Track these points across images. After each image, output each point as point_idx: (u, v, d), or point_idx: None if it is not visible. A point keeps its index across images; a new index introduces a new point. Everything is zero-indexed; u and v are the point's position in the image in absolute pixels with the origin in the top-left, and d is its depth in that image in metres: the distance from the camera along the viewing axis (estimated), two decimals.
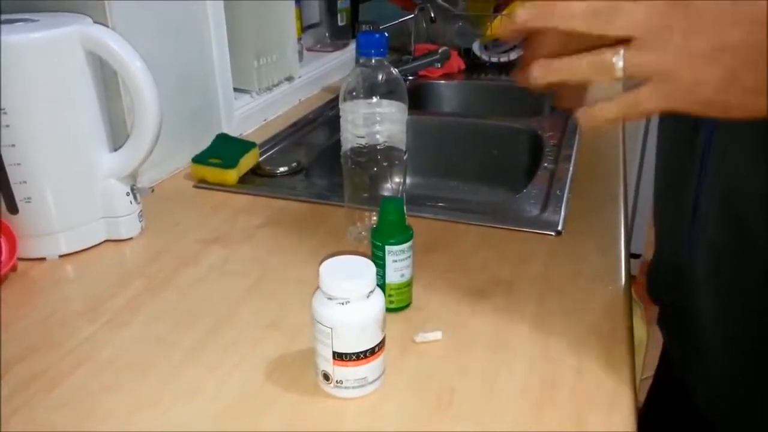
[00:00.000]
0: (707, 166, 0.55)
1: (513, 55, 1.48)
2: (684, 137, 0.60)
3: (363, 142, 0.63)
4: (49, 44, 0.60)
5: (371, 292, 0.44)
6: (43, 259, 0.65)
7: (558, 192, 0.78)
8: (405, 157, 0.66)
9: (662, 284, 0.66)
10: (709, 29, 0.34)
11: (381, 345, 0.45)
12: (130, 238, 0.69)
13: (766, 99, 0.35)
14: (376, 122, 0.63)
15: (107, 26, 0.70)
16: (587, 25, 0.37)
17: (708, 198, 0.54)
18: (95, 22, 0.65)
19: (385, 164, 0.65)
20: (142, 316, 0.56)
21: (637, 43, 0.36)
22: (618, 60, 0.36)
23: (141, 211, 0.70)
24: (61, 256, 0.65)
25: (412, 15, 1.38)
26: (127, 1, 0.73)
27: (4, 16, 0.64)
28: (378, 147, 0.64)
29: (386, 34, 0.62)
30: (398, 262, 0.54)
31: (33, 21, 0.63)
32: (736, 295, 0.52)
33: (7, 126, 0.60)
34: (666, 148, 0.66)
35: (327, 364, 0.44)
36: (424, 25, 1.44)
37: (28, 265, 0.64)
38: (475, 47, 1.48)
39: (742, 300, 0.52)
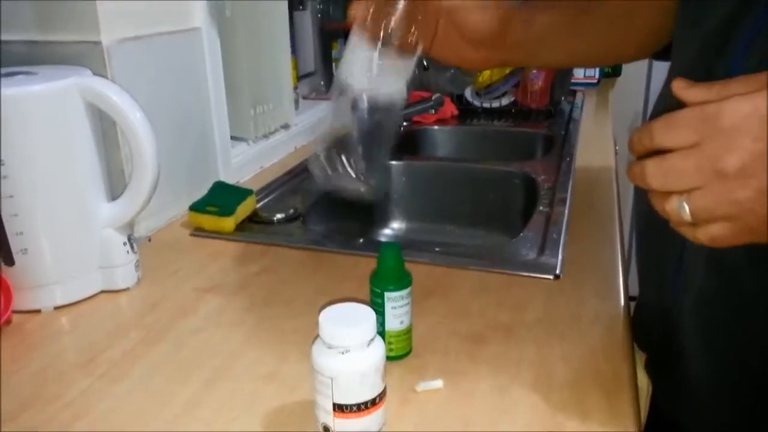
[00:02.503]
0: None
1: (504, 101, 1.51)
2: None
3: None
4: (48, 97, 0.61)
5: (371, 339, 0.43)
6: (37, 311, 0.64)
7: (554, 235, 0.79)
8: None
9: (648, 330, 0.66)
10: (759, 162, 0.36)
11: (382, 395, 0.44)
12: (127, 289, 0.68)
13: None
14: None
15: (106, 77, 0.71)
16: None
17: (696, 245, 0.55)
18: (95, 72, 0.66)
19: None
20: (139, 368, 0.55)
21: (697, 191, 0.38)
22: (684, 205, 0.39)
23: (138, 260, 0.70)
24: (56, 308, 0.65)
25: None
26: (126, 51, 0.75)
27: (3, 69, 0.65)
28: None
29: None
30: (397, 308, 0.54)
31: (32, 74, 0.64)
32: (724, 340, 0.52)
33: (6, 177, 0.60)
34: (645, 196, 0.67)
35: (327, 417, 0.43)
36: (417, 72, 1.47)
37: (23, 317, 0.63)
38: (467, 93, 1.51)
39: (729, 345, 0.52)
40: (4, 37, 0.74)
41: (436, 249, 0.80)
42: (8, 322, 0.61)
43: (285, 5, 1.09)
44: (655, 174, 0.39)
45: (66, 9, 0.72)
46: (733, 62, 0.47)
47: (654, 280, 0.63)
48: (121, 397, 0.51)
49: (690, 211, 0.38)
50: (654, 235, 0.64)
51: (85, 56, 0.72)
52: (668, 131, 0.38)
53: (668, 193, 0.39)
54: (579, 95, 1.66)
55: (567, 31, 0.67)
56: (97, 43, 0.72)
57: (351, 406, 0.43)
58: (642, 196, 0.67)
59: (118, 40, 0.73)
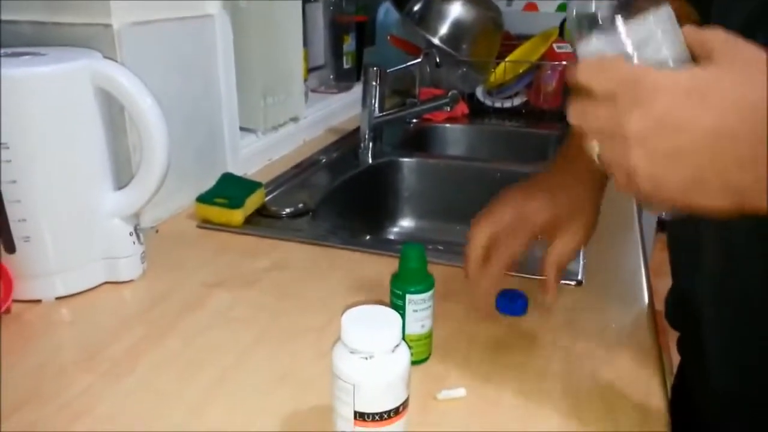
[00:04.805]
0: None
1: (516, 101, 1.48)
2: None
3: None
4: (58, 79, 0.58)
5: (397, 345, 0.41)
6: (38, 301, 0.61)
7: None
8: None
9: (678, 311, 0.65)
10: (671, 131, 0.35)
11: (405, 404, 0.41)
12: (131, 281, 0.65)
13: (731, 200, 0.35)
14: None
15: (116, 61, 0.68)
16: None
17: (706, 229, 0.55)
18: (105, 56, 0.63)
19: None
20: (143, 365, 0.52)
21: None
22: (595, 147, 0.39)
23: (143, 252, 0.67)
24: (57, 299, 0.62)
25: (418, 60, 1.38)
26: (137, 36, 0.72)
27: (12, 50, 0.62)
28: None
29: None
30: (419, 311, 0.51)
31: (41, 55, 0.61)
32: (735, 321, 0.52)
33: (9, 161, 0.57)
34: None
35: (347, 425, 0.41)
36: (428, 69, 1.44)
37: (23, 307, 0.60)
38: (479, 92, 1.48)
39: (738, 326, 0.52)
40: (13, 17, 0.71)
41: (453, 249, 0.77)
42: (8, 311, 0.59)
43: None
44: (575, 112, 0.39)
45: None
46: None
47: (680, 265, 0.64)
48: (123, 397, 0.48)
49: (598, 157, 0.39)
50: (677, 222, 0.64)
51: (95, 39, 0.69)
52: (592, 72, 0.37)
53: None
54: None
55: None
56: (108, 26, 0.69)
57: (373, 415, 0.40)
58: None
59: (129, 24, 0.70)
